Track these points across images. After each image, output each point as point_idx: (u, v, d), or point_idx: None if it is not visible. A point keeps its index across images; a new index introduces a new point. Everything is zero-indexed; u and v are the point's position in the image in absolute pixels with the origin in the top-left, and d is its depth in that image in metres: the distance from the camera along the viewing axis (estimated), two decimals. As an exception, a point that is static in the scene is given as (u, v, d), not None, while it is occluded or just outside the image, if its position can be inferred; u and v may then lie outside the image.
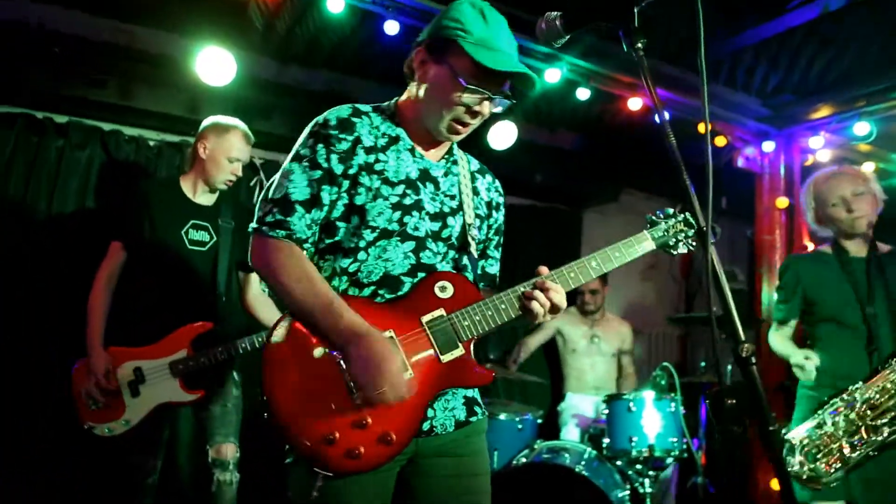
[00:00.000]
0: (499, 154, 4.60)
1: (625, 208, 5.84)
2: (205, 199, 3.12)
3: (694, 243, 1.97)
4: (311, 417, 1.55)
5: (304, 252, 1.69)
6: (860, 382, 2.60)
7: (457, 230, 1.82)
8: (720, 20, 3.12)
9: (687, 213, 1.96)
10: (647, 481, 3.65)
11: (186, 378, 2.88)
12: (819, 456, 2.54)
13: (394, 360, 1.54)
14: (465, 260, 1.83)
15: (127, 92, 3.81)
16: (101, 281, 2.94)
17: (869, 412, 2.54)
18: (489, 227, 1.96)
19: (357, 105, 1.77)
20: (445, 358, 1.66)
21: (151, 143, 3.99)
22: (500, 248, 2.03)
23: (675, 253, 1.94)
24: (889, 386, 2.54)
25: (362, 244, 1.69)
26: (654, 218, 1.92)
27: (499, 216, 2.00)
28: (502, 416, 3.91)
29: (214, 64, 3.56)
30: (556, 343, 4.95)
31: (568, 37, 1.58)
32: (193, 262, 2.98)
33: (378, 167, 1.71)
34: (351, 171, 1.69)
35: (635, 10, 1.40)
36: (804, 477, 2.55)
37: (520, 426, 3.92)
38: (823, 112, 4.15)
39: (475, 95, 1.67)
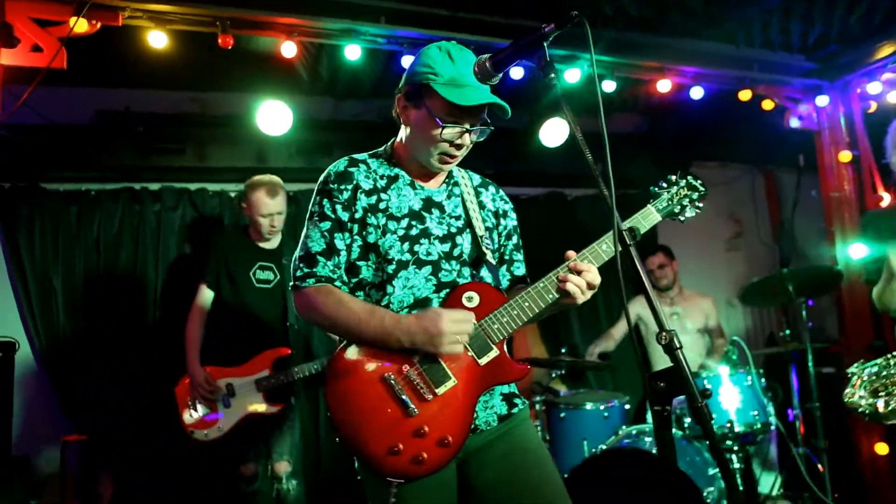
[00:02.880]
0: (552, 151, 4.67)
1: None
2: (269, 243, 3.61)
3: (701, 204, 1.98)
4: (374, 434, 1.76)
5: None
6: None
7: (466, 247, 1.99)
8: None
9: (689, 177, 2.00)
10: (734, 457, 3.62)
11: (269, 393, 3.41)
12: (880, 393, 2.40)
13: (443, 311, 1.75)
14: (484, 269, 1.99)
15: (203, 154, 4.33)
16: (193, 315, 3.52)
17: None
18: (499, 234, 2.11)
19: (353, 156, 1.98)
20: (483, 361, 1.84)
21: (233, 195, 4.44)
22: (520, 250, 2.16)
23: (682, 219, 1.97)
24: None
25: (387, 277, 1.89)
26: (656, 189, 1.98)
27: (507, 222, 2.13)
28: (588, 406, 3.93)
29: (273, 115, 3.95)
30: (640, 332, 4.93)
31: (500, 75, 1.74)
32: (261, 298, 3.52)
33: (382, 206, 1.92)
34: (357, 216, 1.90)
35: (545, 45, 1.54)
36: (867, 412, 2.43)
37: (605, 414, 3.93)
38: (885, 52, 3.88)
39: (454, 130, 1.83)
